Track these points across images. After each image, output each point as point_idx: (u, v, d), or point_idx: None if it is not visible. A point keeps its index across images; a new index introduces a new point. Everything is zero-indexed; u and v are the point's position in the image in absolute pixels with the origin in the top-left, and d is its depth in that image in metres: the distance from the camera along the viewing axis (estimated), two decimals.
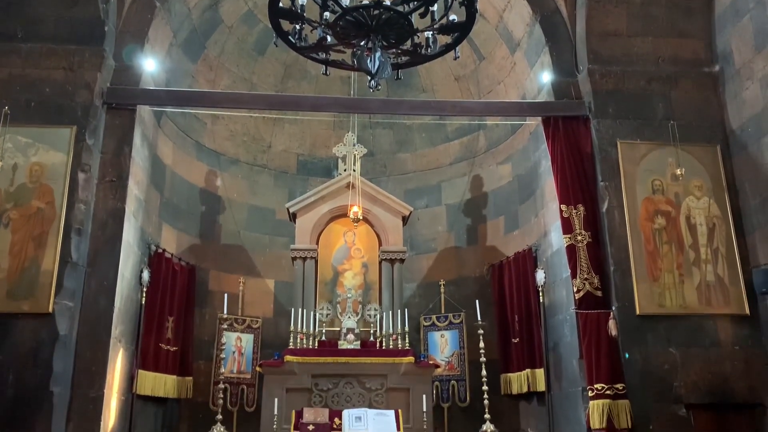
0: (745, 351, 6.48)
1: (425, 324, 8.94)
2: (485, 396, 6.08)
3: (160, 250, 7.74)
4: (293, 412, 5.51)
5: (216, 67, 9.04)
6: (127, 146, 6.93)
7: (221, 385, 6.01)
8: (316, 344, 7.59)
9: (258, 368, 7.72)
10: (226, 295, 6.66)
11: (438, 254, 9.70)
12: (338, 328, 7.75)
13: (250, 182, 9.65)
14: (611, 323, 6.43)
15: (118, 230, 6.64)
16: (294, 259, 8.19)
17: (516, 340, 8.07)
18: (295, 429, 5.35)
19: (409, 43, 5.40)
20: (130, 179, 6.86)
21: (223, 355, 6.72)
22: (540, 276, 7.63)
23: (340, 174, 8.65)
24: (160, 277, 7.60)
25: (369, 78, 5.01)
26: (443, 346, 8.78)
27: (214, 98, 7.87)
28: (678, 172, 6.77)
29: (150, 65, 7.36)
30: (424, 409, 6.08)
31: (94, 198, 6.64)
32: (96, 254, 6.50)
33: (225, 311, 6.49)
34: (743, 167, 6.94)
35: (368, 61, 4.97)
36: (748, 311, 6.56)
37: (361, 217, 7.66)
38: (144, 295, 7.24)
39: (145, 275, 7.25)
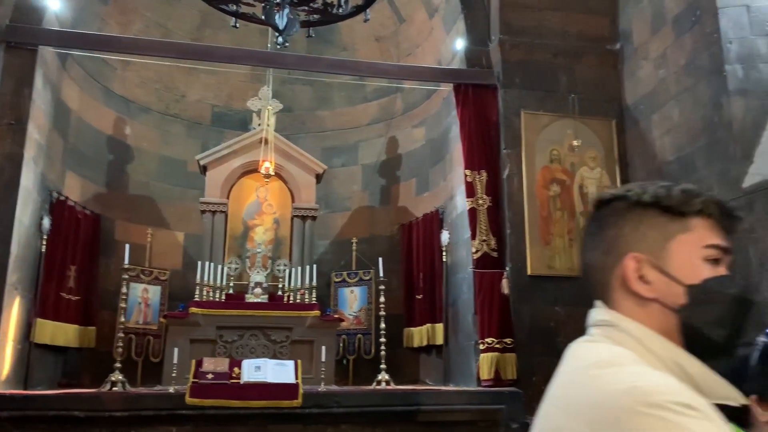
0: None
1: (336, 280, 9.15)
2: (382, 348, 6.39)
3: (62, 198, 7.52)
4: (193, 361, 5.62)
5: (129, 10, 8.68)
6: (27, 88, 6.61)
7: (120, 334, 6.03)
8: (224, 297, 7.67)
9: (162, 319, 7.73)
10: (127, 245, 6.61)
11: (352, 213, 9.89)
12: (246, 282, 7.84)
13: (161, 132, 9.44)
14: (504, 282, 6.81)
15: (15, 175, 6.39)
16: (203, 212, 8.15)
17: (420, 297, 8.43)
18: (194, 378, 5.46)
19: (320, 1, 5.43)
20: (29, 123, 6.57)
21: (124, 305, 6.71)
22: (444, 236, 7.95)
23: (255, 128, 8.61)
24: (62, 225, 7.40)
25: (277, 34, 5.04)
26: (352, 301, 9.04)
27: (123, 43, 7.55)
28: (575, 143, 7.17)
29: (54, 3, 7.00)
30: (323, 360, 6.33)
31: None
32: None
33: (127, 261, 6.46)
34: (634, 142, 7.41)
35: (277, 16, 4.98)
36: None
37: (272, 173, 7.71)
38: (44, 242, 7.05)
39: (46, 222, 7.04)
